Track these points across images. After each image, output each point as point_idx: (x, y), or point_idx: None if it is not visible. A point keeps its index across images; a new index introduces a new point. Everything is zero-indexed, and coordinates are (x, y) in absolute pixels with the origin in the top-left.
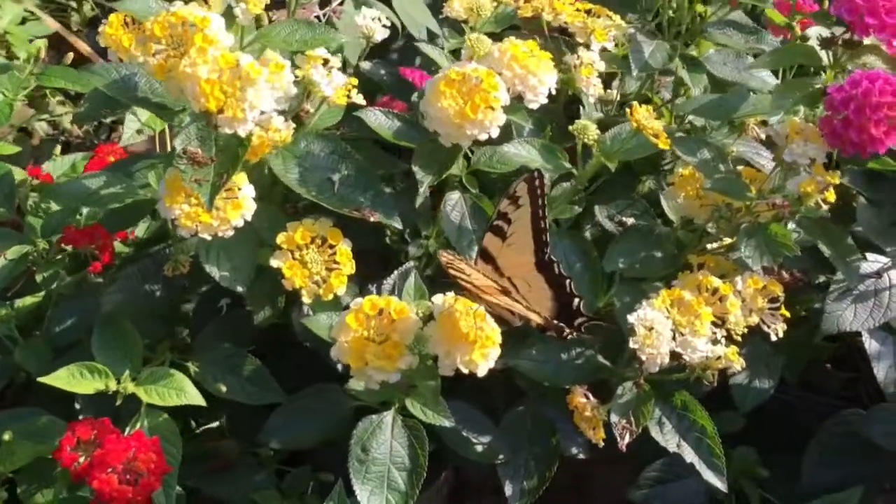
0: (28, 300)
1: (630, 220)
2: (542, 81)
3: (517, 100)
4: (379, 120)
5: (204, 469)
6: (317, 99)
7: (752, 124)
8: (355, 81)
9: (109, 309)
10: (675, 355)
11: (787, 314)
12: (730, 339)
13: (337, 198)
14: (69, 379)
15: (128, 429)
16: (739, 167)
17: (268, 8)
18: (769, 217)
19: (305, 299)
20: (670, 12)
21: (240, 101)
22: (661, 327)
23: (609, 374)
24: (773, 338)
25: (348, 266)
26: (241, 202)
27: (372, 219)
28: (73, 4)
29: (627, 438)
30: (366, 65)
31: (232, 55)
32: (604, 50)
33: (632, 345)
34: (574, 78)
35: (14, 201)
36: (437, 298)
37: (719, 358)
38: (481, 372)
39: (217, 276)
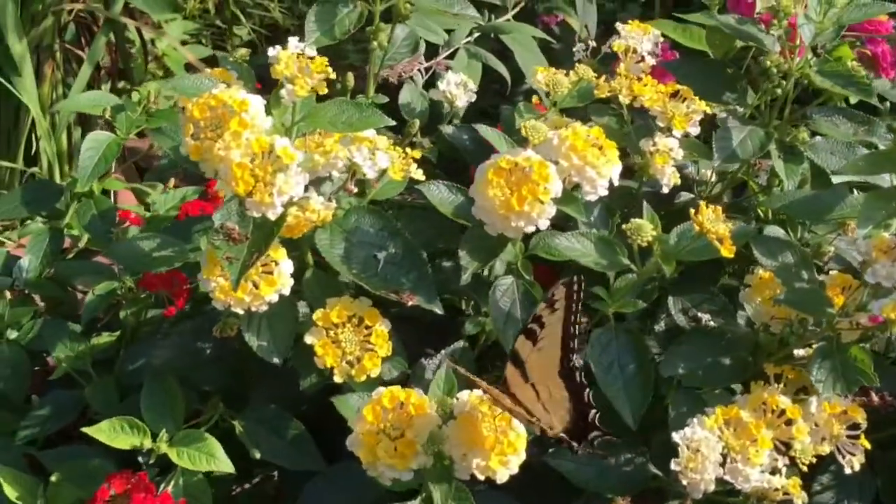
0: (104, 337)
1: (705, 317)
2: (601, 174)
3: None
4: (441, 194)
5: None
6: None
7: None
8: (417, 155)
9: (159, 364)
10: (723, 481)
11: (867, 445)
12: (794, 466)
13: (380, 278)
14: (109, 432)
15: (163, 485)
16: (832, 272)
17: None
18: (853, 337)
19: (337, 378)
20: (777, 91)
21: (269, 185)
22: (709, 450)
23: (662, 484)
24: (848, 470)
25: (384, 348)
26: (277, 279)
27: (410, 303)
28: (234, 29)
29: None
30: (448, 129)
31: (266, 139)
32: (686, 136)
33: (673, 466)
34: (649, 164)
35: (110, 237)
36: (463, 395)
37: (778, 489)
38: (500, 479)
39: (255, 345)
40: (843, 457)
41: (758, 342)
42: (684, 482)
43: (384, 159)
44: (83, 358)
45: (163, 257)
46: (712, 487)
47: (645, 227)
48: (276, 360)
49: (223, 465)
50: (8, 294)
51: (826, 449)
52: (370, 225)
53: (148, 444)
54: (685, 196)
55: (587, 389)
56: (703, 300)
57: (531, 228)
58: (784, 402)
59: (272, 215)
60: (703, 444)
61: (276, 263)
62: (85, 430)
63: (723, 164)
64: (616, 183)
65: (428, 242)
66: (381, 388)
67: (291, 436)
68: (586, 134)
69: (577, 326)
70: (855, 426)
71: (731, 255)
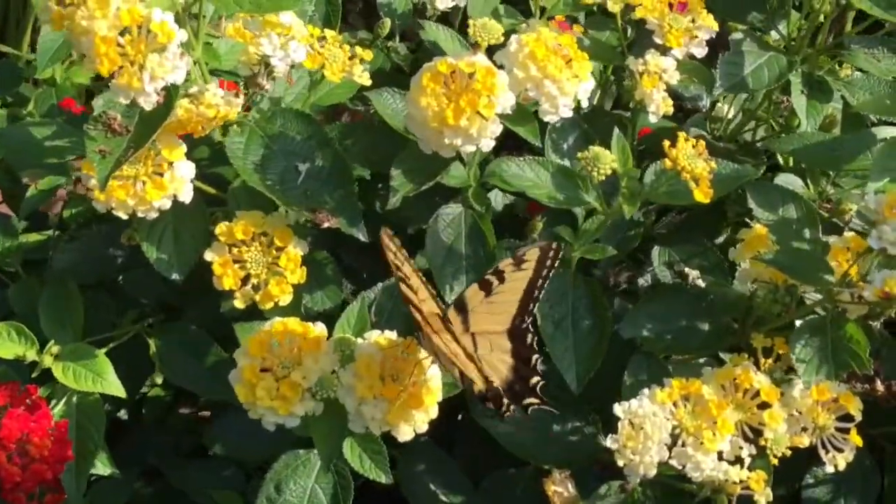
0: (34, 236)
1: (693, 274)
2: (563, 91)
3: None
4: (395, 104)
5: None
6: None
7: None
8: (368, 56)
9: (61, 268)
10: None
11: (859, 442)
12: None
13: (299, 192)
14: None
15: (52, 402)
16: (847, 234)
17: None
18: (857, 311)
19: (238, 304)
20: (821, 17)
21: (139, 66)
22: (654, 429)
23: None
24: (830, 469)
25: (295, 274)
26: (167, 183)
27: (326, 224)
28: None
29: None
30: (425, 29)
31: (141, 10)
32: (692, 58)
33: (609, 443)
34: (633, 87)
35: None
36: (371, 334)
37: (737, 483)
38: (402, 437)
39: (153, 258)
40: (827, 452)
41: (750, 308)
42: (620, 462)
43: (299, 51)
44: (10, 255)
45: (55, 147)
46: (653, 472)
47: (603, 157)
48: (175, 277)
49: (112, 387)
50: None
51: (805, 441)
52: (297, 132)
53: (32, 355)
54: (694, 133)
55: (537, 355)
56: (695, 254)
57: (470, 148)
58: (760, 380)
59: (145, 104)
60: (648, 421)
61: (170, 165)
62: None
63: (726, 92)
64: (585, 103)
65: (379, 162)
66: (276, 319)
67: (211, 361)
68: (552, 40)
69: (540, 292)
70: (847, 417)
71: (707, 200)
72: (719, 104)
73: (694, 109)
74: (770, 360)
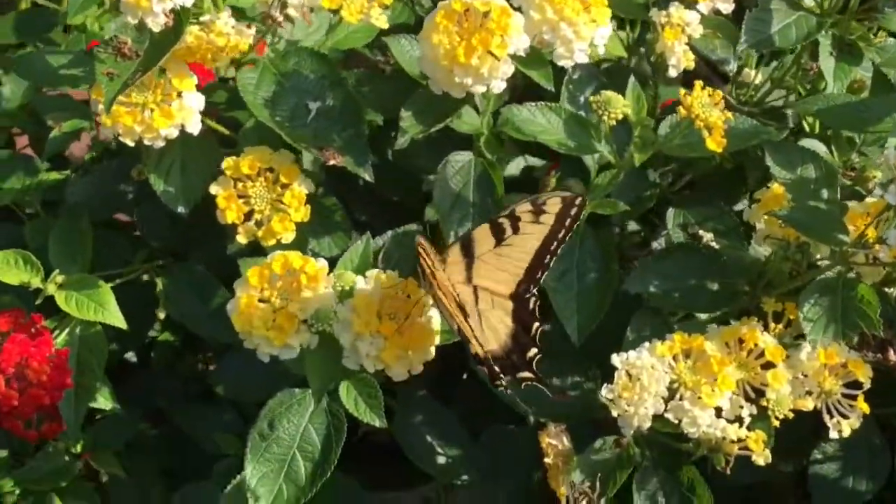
0: (54, 175)
1: (707, 236)
2: (579, 34)
3: None
4: (409, 51)
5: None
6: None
7: None
8: (387, 1)
9: (74, 200)
10: (666, 422)
11: (866, 409)
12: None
13: (308, 129)
14: (2, 264)
15: (56, 333)
16: (869, 199)
17: None
18: (873, 276)
19: (241, 239)
20: None
21: None
22: (651, 380)
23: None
24: (834, 434)
25: (299, 212)
26: (175, 111)
27: (332, 162)
28: None
29: None
30: None
31: None
32: (717, 13)
33: (603, 392)
34: (655, 40)
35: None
36: (372, 272)
37: (734, 441)
38: (396, 376)
39: (160, 189)
40: (832, 417)
41: (762, 271)
42: (614, 413)
43: None
44: (30, 193)
45: (69, 76)
46: (647, 424)
47: (615, 101)
48: (180, 210)
49: (112, 317)
50: None
51: (809, 404)
52: (311, 70)
53: (37, 282)
54: None
55: (537, 324)
56: (711, 217)
57: (480, 88)
58: (766, 340)
59: (153, 24)
60: (645, 372)
61: (179, 94)
62: None
63: (750, 48)
64: (601, 49)
65: (394, 110)
66: (277, 252)
67: (216, 303)
68: None
69: (555, 255)
70: (855, 384)
71: (719, 150)
72: (746, 69)
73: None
74: (780, 326)
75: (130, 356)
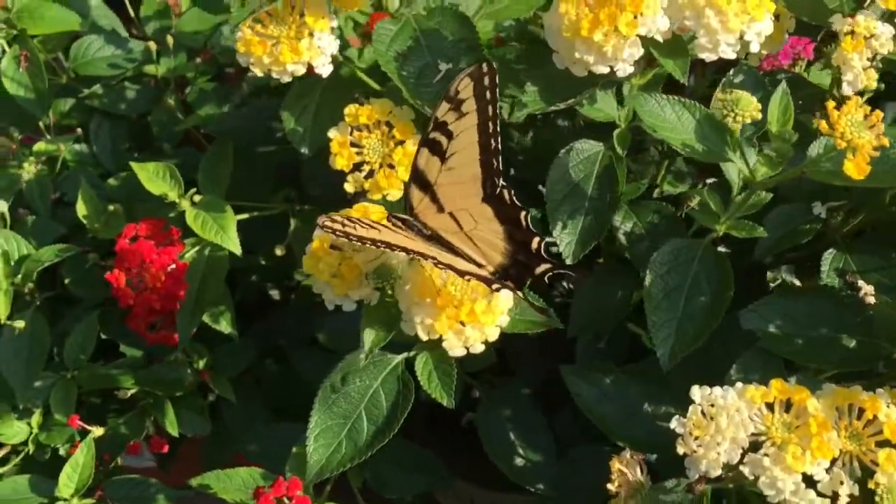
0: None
1: (867, 289)
2: (726, 26)
3: None
4: None
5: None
6: None
7: None
8: None
9: (226, 129)
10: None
11: None
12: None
13: (432, 90)
14: (152, 173)
15: (188, 249)
16: None
17: None
18: None
19: (348, 187)
20: None
21: None
22: (730, 424)
23: None
24: None
25: (403, 169)
26: (303, 48)
27: None
28: None
29: None
30: None
31: None
32: None
33: (674, 424)
34: (832, 51)
35: None
36: None
37: None
38: (452, 350)
39: (289, 128)
40: None
41: None
42: (680, 450)
43: None
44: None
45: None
46: (717, 472)
47: (745, 102)
48: (304, 150)
49: (230, 242)
50: None
51: None
52: (451, 32)
53: (174, 196)
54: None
55: (524, 212)
56: (877, 267)
57: (602, 69)
58: (889, 414)
59: None
60: (724, 414)
61: (311, 34)
62: (133, 164)
63: None
64: (755, 47)
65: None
66: (360, 202)
67: None
68: None
69: (497, 135)
70: None
71: (860, 177)
72: None
73: None
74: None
75: (275, 294)
